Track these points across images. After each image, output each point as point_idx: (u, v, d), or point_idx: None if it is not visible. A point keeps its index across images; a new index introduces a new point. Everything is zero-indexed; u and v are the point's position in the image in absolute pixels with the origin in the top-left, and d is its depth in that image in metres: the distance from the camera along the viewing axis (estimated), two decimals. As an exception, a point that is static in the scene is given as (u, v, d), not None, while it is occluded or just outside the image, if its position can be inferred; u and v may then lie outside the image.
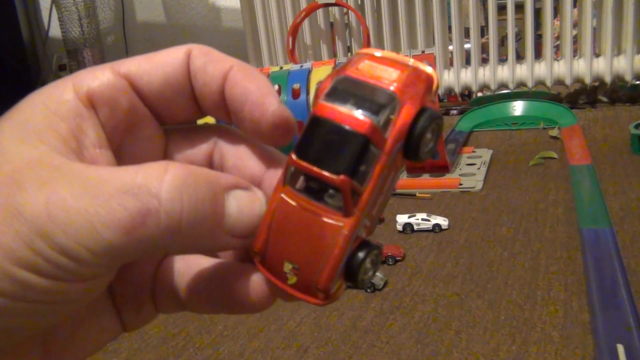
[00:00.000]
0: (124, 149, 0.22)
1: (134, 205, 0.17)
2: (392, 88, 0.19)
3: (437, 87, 0.19)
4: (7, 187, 0.17)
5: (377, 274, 0.78)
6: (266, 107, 0.21)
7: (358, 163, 0.19)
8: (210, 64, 0.22)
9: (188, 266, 0.23)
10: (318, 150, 0.19)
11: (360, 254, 0.19)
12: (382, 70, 0.19)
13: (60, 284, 0.17)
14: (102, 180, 0.17)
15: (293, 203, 0.20)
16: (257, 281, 0.21)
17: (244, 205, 0.20)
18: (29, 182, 0.17)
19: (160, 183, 0.17)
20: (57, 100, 0.20)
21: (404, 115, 0.19)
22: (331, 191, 0.19)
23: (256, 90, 0.21)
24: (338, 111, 0.18)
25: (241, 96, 0.21)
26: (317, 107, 0.19)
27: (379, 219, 0.21)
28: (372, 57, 0.20)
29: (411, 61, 0.19)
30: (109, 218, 0.17)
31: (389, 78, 0.19)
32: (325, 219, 0.19)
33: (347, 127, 0.18)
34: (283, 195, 0.20)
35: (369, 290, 0.76)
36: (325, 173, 0.19)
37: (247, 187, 0.20)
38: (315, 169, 0.19)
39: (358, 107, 0.18)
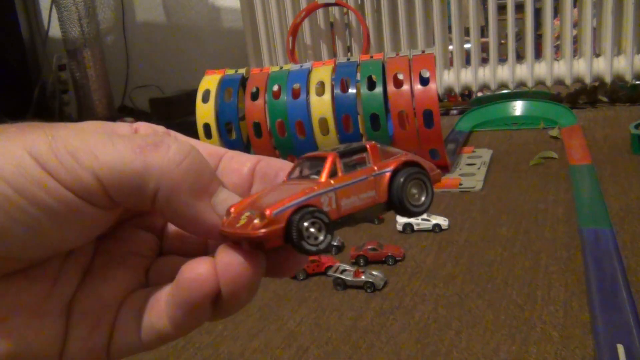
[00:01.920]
0: None
1: (152, 139, 0.21)
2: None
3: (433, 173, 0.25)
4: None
5: (375, 273, 0.78)
6: (203, 231, 0.23)
7: (351, 154, 0.23)
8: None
9: (156, 299, 0.23)
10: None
11: (306, 211, 0.21)
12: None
13: (78, 201, 0.20)
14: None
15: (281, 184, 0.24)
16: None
17: (231, 196, 0.23)
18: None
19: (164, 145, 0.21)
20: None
21: (394, 163, 0.23)
22: (319, 170, 0.22)
23: (191, 220, 0.23)
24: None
25: (177, 224, 0.23)
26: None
27: (345, 217, 0.22)
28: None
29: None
30: (127, 145, 0.20)
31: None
32: (298, 184, 0.22)
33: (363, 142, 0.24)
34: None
35: (369, 290, 0.76)
36: (324, 153, 0.23)
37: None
38: (319, 153, 0.23)
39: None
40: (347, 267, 0.80)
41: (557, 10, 1.82)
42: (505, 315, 0.67)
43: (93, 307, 0.23)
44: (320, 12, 1.96)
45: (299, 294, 0.79)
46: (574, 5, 1.78)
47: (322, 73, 1.26)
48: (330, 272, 0.81)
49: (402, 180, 0.23)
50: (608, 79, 1.78)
